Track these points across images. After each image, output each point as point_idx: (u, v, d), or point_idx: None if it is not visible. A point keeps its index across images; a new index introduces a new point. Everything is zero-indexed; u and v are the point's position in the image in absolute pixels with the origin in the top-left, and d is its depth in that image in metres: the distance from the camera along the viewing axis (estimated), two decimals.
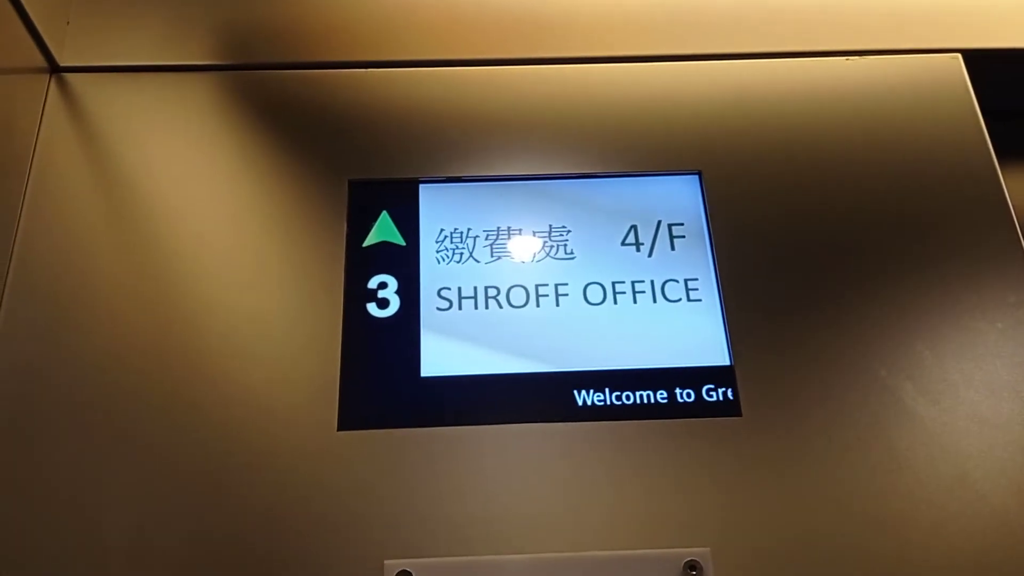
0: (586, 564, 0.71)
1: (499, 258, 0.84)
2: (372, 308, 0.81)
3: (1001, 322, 0.81)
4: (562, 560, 0.71)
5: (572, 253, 0.85)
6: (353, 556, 0.71)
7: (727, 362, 0.79)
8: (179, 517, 0.72)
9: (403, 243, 0.84)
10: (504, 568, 0.71)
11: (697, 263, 0.84)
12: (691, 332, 0.81)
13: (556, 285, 0.83)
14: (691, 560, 0.71)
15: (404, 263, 0.83)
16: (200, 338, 0.79)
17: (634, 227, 0.86)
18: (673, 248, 0.85)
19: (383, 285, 0.82)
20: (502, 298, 0.82)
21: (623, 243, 0.85)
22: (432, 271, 0.83)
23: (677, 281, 0.83)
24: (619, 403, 0.77)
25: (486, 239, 0.85)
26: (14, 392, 0.76)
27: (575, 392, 0.78)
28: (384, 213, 0.85)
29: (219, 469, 0.74)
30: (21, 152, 0.84)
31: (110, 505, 0.72)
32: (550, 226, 0.86)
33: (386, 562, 0.70)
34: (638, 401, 0.78)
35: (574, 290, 0.83)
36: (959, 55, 0.94)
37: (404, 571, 0.70)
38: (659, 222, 0.86)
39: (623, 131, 0.90)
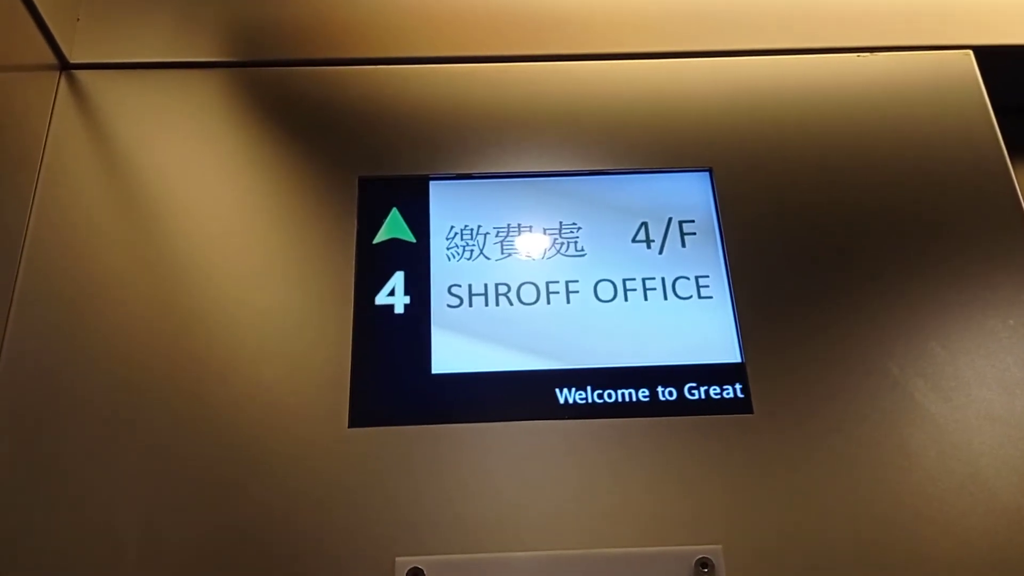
0: (598, 561, 0.71)
1: (509, 255, 0.84)
2: (383, 305, 0.81)
3: (1013, 319, 0.81)
4: (573, 557, 0.71)
5: (583, 250, 0.84)
6: (364, 553, 0.71)
7: (738, 359, 0.79)
8: (190, 514, 0.72)
9: (413, 240, 0.84)
10: (515, 565, 0.71)
11: (708, 260, 0.84)
12: (702, 329, 0.81)
13: (567, 282, 0.83)
14: (703, 557, 0.70)
15: (415, 260, 0.83)
16: (210, 335, 0.79)
17: (645, 224, 0.85)
18: (684, 245, 0.84)
19: (394, 282, 0.82)
20: (512, 295, 0.82)
21: (634, 240, 0.85)
22: (442, 268, 0.83)
23: (688, 278, 0.83)
24: (631, 400, 0.77)
25: (496, 236, 0.85)
26: (25, 388, 0.76)
27: (586, 389, 0.78)
28: (394, 210, 0.85)
29: (230, 466, 0.74)
30: (31, 149, 0.85)
31: (121, 502, 0.72)
32: (560, 223, 0.86)
33: (397, 559, 0.70)
34: (649, 398, 0.77)
35: (585, 287, 0.83)
36: (970, 51, 0.94)
37: (415, 568, 0.70)
38: (670, 219, 0.86)
39: (634, 128, 0.89)
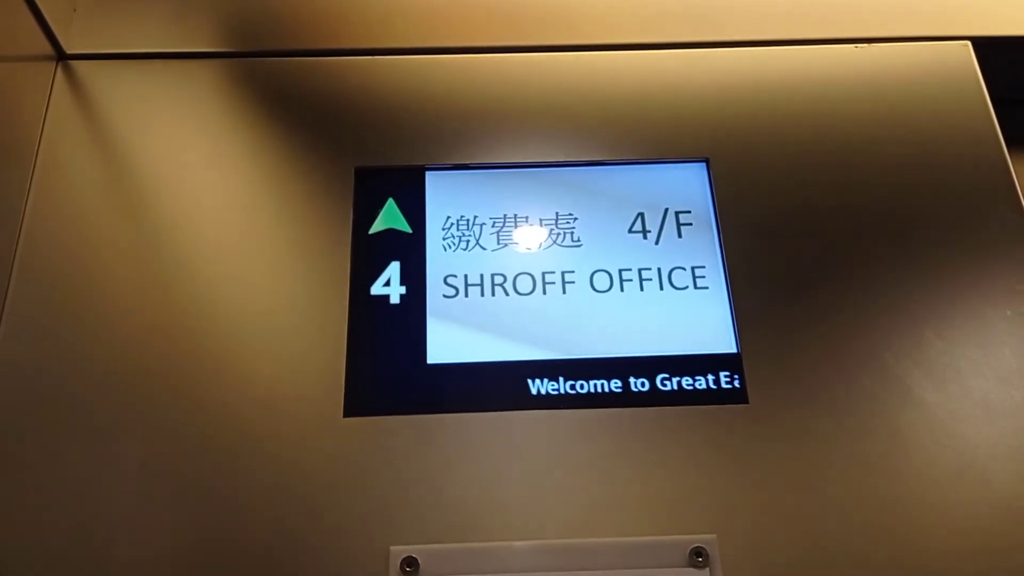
0: (592, 551, 0.71)
1: (505, 245, 0.84)
2: (378, 295, 0.81)
3: (1010, 309, 0.81)
4: (568, 547, 0.71)
5: (579, 241, 0.84)
6: (359, 542, 0.71)
7: (734, 349, 0.79)
8: (186, 505, 0.72)
9: (409, 230, 0.84)
10: (510, 554, 0.71)
11: (704, 251, 0.84)
12: (698, 319, 0.81)
13: (563, 273, 0.83)
14: (697, 547, 0.70)
15: (410, 250, 0.83)
16: (206, 326, 0.79)
17: (641, 215, 0.85)
18: (680, 236, 0.84)
19: (389, 272, 0.82)
20: (508, 285, 0.82)
21: (630, 231, 0.85)
22: (438, 258, 0.83)
23: (684, 269, 0.83)
24: (626, 390, 0.77)
25: (492, 226, 0.85)
26: (21, 379, 0.76)
27: (582, 379, 0.78)
28: (390, 200, 0.85)
29: (226, 456, 0.74)
30: (27, 140, 0.84)
31: (116, 494, 0.72)
32: (557, 213, 0.85)
33: (392, 548, 0.70)
34: (644, 388, 0.77)
35: (581, 278, 0.82)
36: (968, 42, 0.93)
37: (410, 557, 0.70)
38: (666, 210, 0.85)
39: (631, 118, 0.89)
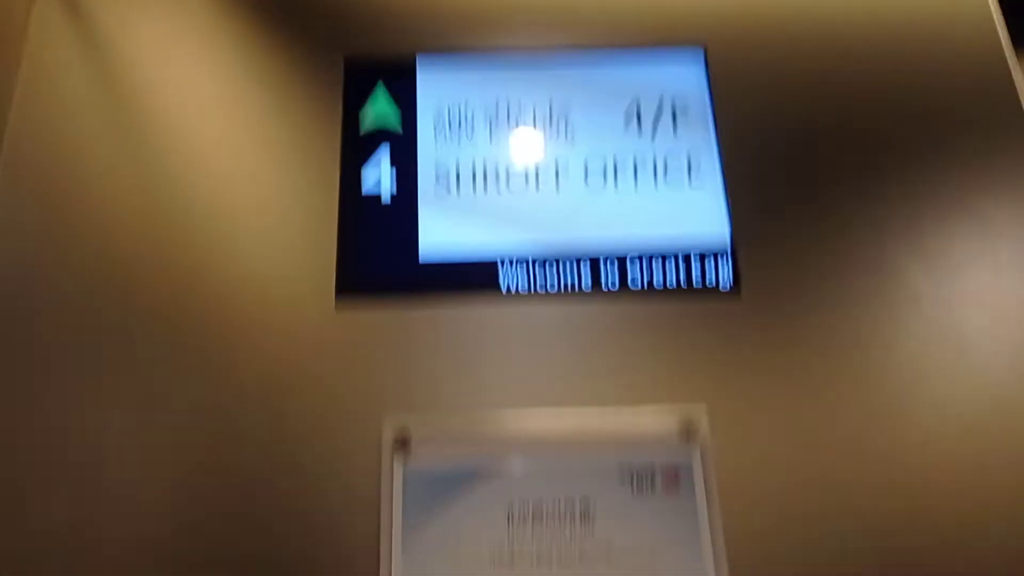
0: (582, 416, 0.71)
1: (498, 138, 0.83)
2: (368, 189, 0.80)
3: (1009, 205, 0.80)
4: (559, 413, 0.71)
5: (573, 133, 0.83)
6: (353, 416, 0.71)
7: (727, 242, 0.78)
8: (179, 399, 0.72)
9: (400, 128, 0.83)
10: (500, 422, 0.71)
11: (700, 143, 0.82)
12: (692, 212, 0.80)
13: (556, 166, 0.81)
14: (686, 418, 0.70)
15: (402, 145, 0.81)
16: (196, 226, 0.78)
17: (637, 106, 0.84)
18: (676, 127, 0.83)
19: (380, 169, 0.81)
20: (501, 179, 0.81)
21: (625, 123, 0.83)
22: (429, 151, 0.81)
23: (679, 161, 0.82)
24: (620, 282, 0.77)
25: (485, 117, 0.83)
26: (5, 288, 0.75)
27: (577, 271, 0.77)
28: (380, 86, 0.83)
29: (218, 351, 0.73)
30: (11, 45, 0.83)
31: (110, 390, 0.72)
32: (550, 106, 0.84)
33: (385, 420, 0.70)
34: (640, 281, 0.77)
35: (574, 171, 0.81)
36: None
37: (402, 427, 0.70)
38: (661, 98, 0.84)
39: (627, 2, 0.87)
